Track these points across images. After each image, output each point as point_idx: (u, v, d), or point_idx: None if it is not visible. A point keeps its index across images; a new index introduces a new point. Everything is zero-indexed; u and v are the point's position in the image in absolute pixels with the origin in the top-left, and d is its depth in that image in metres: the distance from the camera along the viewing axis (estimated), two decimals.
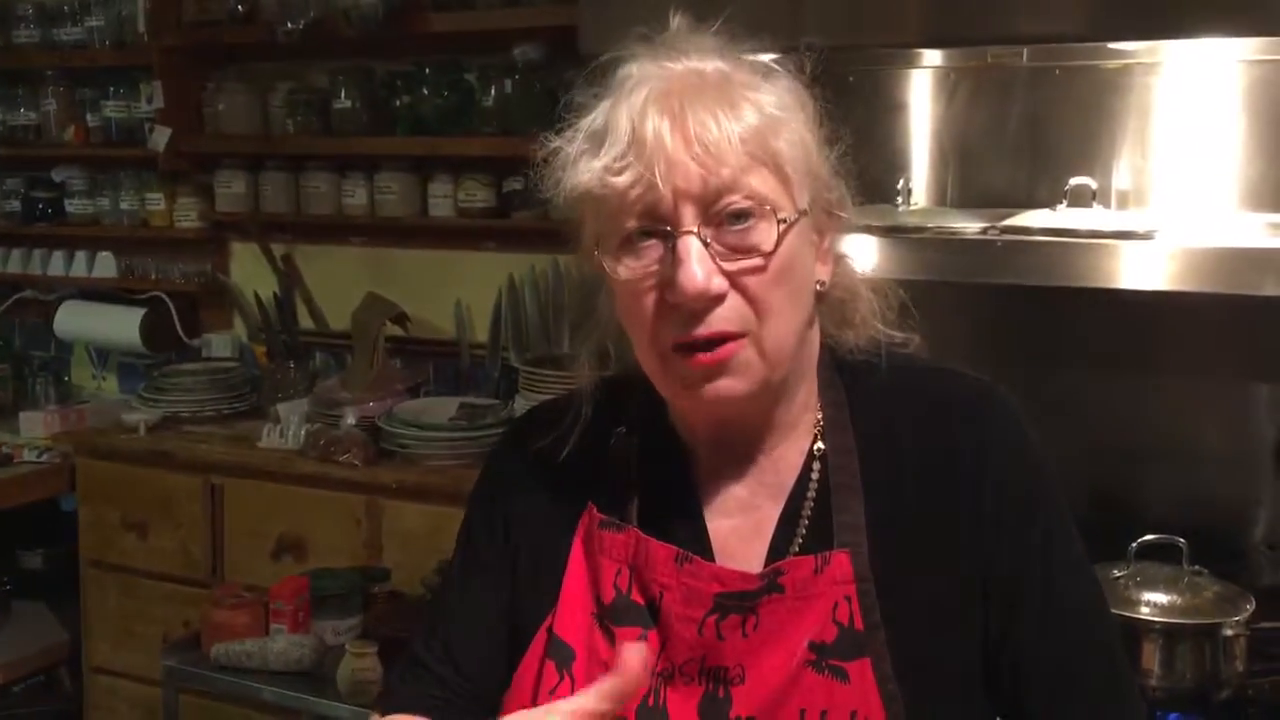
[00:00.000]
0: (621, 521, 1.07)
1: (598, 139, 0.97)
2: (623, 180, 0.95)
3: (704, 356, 0.97)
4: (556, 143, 1.01)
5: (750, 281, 0.96)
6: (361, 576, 2.50)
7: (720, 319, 0.96)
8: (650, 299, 0.98)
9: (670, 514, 1.07)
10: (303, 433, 2.95)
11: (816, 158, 1.01)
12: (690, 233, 0.95)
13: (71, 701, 3.28)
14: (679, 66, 0.98)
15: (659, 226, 0.96)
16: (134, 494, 3.06)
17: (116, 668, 3.14)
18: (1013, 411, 1.07)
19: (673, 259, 0.95)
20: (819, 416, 1.07)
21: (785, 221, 0.96)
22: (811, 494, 1.05)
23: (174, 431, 3.16)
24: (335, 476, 2.81)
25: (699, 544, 1.05)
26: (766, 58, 1.02)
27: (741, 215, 0.95)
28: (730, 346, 0.97)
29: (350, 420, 2.88)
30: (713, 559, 1.05)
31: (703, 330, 0.96)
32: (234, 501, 2.96)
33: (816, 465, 1.06)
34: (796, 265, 0.99)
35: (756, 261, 0.96)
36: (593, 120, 0.99)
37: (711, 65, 0.98)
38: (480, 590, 1.15)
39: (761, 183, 0.96)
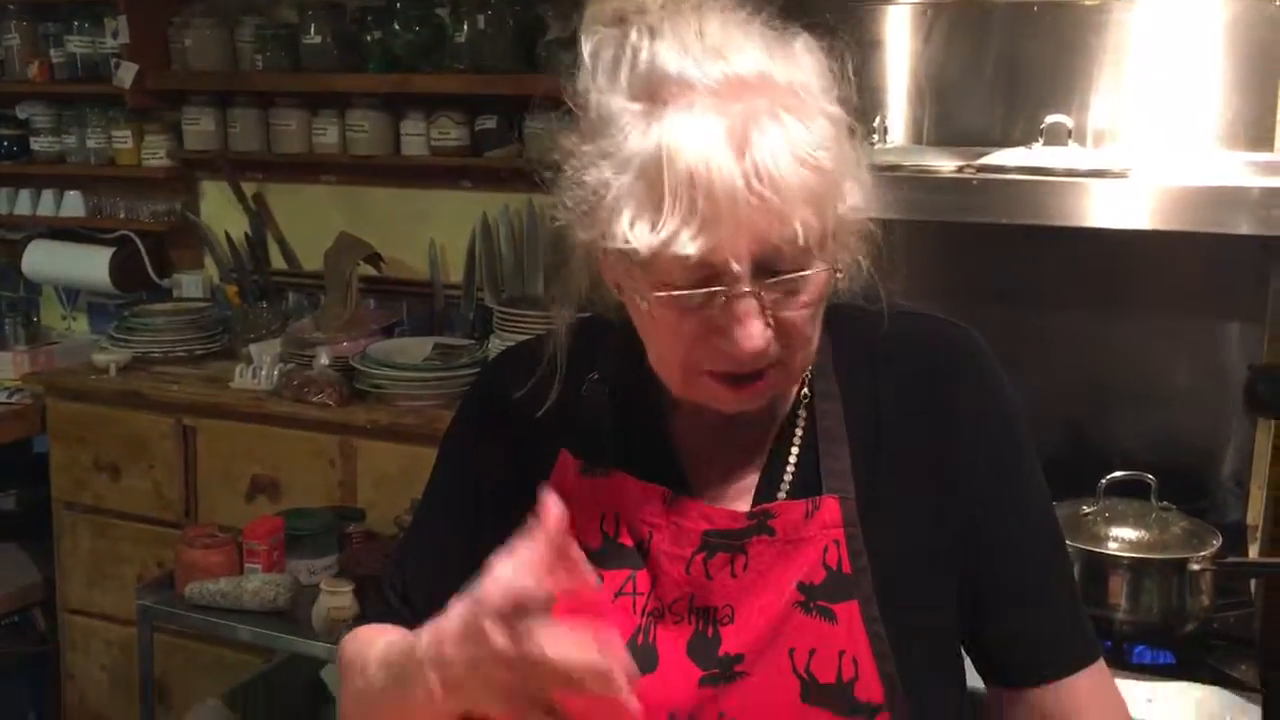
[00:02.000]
0: (603, 467, 1.06)
1: (651, 185, 0.88)
2: (688, 251, 0.87)
3: (747, 390, 0.96)
4: (595, 174, 0.91)
5: (790, 317, 0.94)
6: (336, 517, 2.50)
7: (762, 358, 0.94)
8: (688, 326, 0.93)
9: (650, 458, 1.07)
10: (275, 373, 2.93)
11: (851, 164, 0.96)
12: (749, 293, 0.90)
13: (46, 642, 3.29)
14: (718, 72, 0.89)
15: (712, 285, 0.91)
16: (106, 435, 3.04)
17: (91, 608, 3.14)
18: (988, 357, 1.08)
19: (725, 312, 0.91)
20: None
21: (829, 267, 0.94)
22: (797, 440, 1.06)
23: (145, 372, 3.13)
24: (309, 417, 2.80)
25: (683, 487, 1.05)
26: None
27: (792, 263, 0.91)
28: (769, 379, 0.96)
29: (323, 361, 2.87)
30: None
31: (746, 370, 0.95)
32: (207, 442, 2.95)
33: (802, 411, 1.06)
34: (827, 289, 0.97)
35: (803, 313, 0.94)
36: (640, 149, 0.89)
37: (751, 68, 0.90)
38: (443, 534, 1.14)
39: (815, 225, 0.90)
